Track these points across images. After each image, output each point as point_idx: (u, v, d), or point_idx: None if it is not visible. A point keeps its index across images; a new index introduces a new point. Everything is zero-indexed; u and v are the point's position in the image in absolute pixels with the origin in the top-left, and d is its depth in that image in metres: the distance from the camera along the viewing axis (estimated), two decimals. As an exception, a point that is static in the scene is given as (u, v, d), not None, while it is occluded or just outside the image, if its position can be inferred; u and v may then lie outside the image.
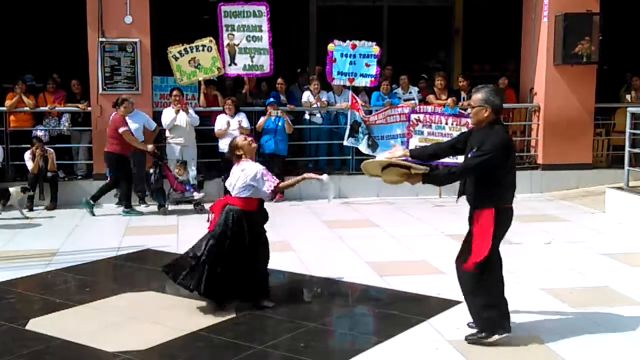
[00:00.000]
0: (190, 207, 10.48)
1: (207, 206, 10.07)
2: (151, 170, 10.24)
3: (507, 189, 4.97)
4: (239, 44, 11.20)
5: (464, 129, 11.05)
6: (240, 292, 5.91)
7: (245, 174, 5.89)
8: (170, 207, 10.39)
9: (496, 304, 4.99)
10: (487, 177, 4.85)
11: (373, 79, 11.30)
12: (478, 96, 4.96)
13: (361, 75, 11.26)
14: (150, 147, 10.29)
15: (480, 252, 4.89)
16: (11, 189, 9.80)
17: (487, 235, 4.86)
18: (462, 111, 11.27)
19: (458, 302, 5.97)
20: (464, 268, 4.99)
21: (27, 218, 9.85)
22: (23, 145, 10.90)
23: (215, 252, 5.79)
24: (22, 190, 9.94)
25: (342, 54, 11.22)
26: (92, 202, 10.18)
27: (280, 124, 11.00)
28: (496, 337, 4.97)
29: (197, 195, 10.39)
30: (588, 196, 11.17)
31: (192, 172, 10.67)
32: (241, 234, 5.84)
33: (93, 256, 7.81)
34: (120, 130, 9.97)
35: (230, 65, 11.26)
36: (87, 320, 5.72)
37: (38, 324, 5.57)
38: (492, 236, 4.86)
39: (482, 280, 4.93)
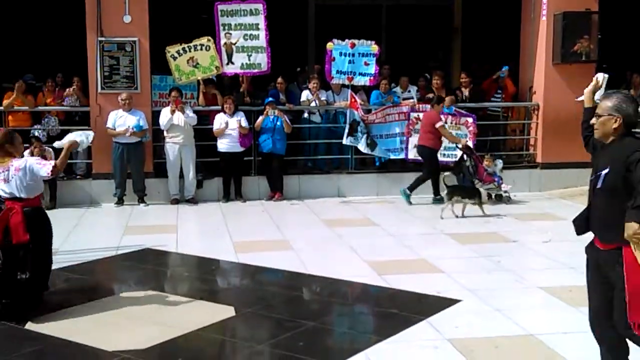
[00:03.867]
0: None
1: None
2: (467, 163, 10.52)
3: None
4: (236, 43, 11.16)
5: (463, 128, 11.09)
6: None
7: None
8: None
9: None
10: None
11: (372, 77, 11.27)
12: (607, 104, 4.11)
13: (360, 74, 11.22)
14: (463, 141, 10.66)
15: None
16: (481, 189, 9.97)
17: None
18: (460, 110, 11.27)
19: (457, 301, 5.99)
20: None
21: (486, 216, 9.65)
22: (22, 145, 10.86)
23: None
24: (489, 196, 10.07)
25: (341, 53, 11.19)
26: (408, 191, 10.57)
27: (278, 123, 10.98)
28: None
29: (504, 187, 10.57)
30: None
31: (499, 164, 10.81)
32: None
33: (92, 255, 7.80)
34: (437, 125, 10.43)
35: (227, 64, 11.24)
36: (86, 320, 5.72)
37: (37, 324, 5.57)
38: None
39: None
